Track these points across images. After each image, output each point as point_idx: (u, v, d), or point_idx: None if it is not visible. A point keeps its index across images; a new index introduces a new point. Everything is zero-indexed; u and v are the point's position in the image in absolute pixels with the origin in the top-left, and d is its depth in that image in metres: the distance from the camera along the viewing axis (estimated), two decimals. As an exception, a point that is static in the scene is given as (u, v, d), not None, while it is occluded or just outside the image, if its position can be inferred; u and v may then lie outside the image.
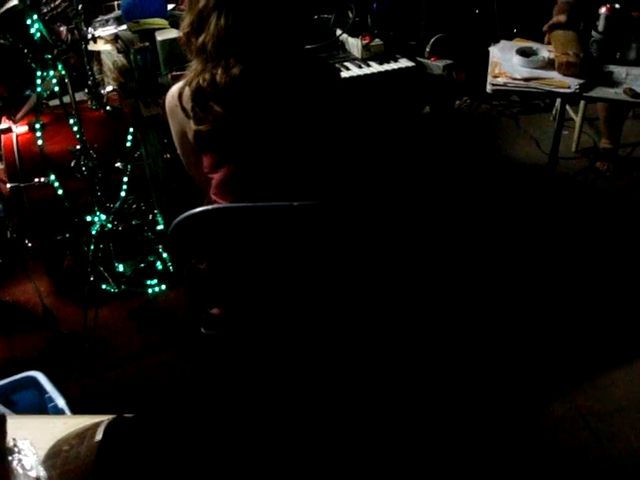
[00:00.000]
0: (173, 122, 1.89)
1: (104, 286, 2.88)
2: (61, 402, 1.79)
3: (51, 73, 2.57)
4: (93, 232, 2.78)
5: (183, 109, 1.79)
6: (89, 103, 3.09)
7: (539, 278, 2.96)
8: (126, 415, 1.46)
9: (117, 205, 2.82)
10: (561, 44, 2.66)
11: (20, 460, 1.33)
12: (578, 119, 3.90)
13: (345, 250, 1.91)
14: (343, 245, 1.89)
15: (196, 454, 2.20)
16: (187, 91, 1.78)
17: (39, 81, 2.55)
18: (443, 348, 2.62)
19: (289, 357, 2.26)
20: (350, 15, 2.82)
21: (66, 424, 1.46)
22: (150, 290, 2.95)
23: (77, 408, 2.38)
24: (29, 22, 2.44)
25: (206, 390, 2.44)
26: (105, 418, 1.42)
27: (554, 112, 4.20)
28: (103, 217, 2.77)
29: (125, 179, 2.83)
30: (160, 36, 2.70)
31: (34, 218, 2.91)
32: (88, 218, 2.75)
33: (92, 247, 2.79)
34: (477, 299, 2.86)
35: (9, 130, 2.91)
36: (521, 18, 4.26)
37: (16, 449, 1.34)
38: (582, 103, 3.79)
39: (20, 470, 1.27)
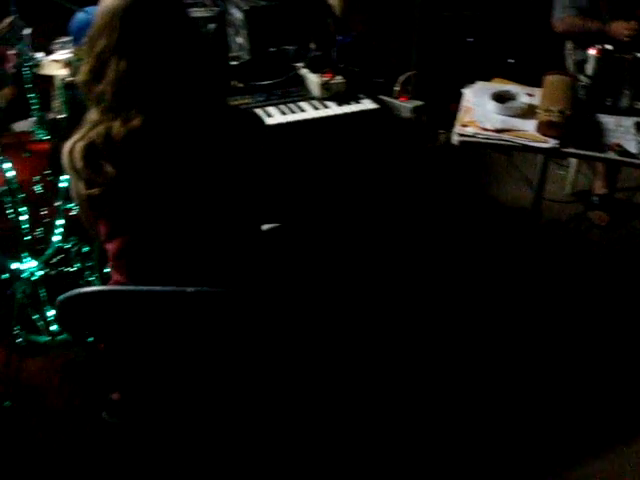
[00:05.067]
0: (70, 180, 1.62)
1: (38, 337, 2.62)
2: None
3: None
4: (24, 277, 2.53)
5: (73, 168, 1.53)
6: (34, 134, 2.86)
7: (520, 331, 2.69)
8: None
9: (49, 250, 2.57)
10: (548, 94, 2.34)
11: None
12: (574, 160, 3.60)
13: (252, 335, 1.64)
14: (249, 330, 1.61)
15: None
16: (78, 147, 1.51)
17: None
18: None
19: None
20: (312, 48, 2.55)
21: None
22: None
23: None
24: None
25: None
26: None
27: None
28: (34, 264, 2.51)
29: (61, 221, 2.59)
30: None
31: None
32: (15, 265, 2.50)
33: (19, 295, 2.53)
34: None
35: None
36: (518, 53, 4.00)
37: None
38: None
39: None
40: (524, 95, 2.42)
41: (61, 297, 1.49)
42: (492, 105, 2.34)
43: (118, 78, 1.48)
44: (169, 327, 1.56)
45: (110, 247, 1.58)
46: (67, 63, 2.86)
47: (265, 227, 2.00)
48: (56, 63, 2.94)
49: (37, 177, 2.67)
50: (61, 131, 2.27)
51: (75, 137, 1.54)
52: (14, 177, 2.43)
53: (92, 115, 1.54)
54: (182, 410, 1.74)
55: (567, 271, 3.10)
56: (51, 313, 2.59)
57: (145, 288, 1.47)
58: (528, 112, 2.32)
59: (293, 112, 2.41)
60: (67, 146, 1.54)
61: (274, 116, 2.38)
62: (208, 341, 1.59)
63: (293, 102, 2.47)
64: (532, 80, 2.60)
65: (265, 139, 1.72)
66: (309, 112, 2.41)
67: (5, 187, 2.41)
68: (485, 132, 2.22)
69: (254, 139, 1.65)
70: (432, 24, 3.53)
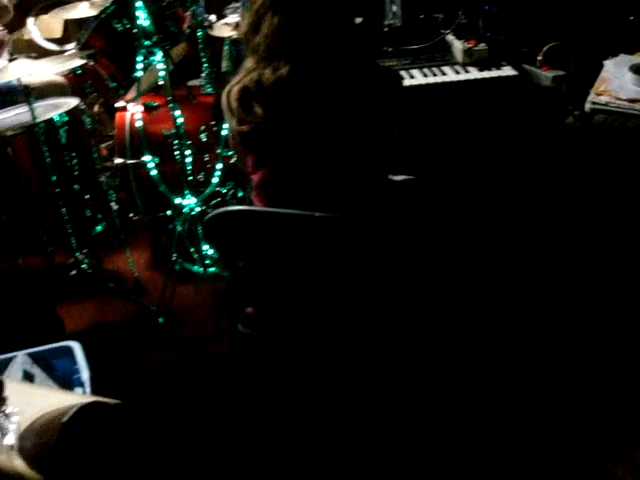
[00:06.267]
0: (226, 119, 1.90)
1: (192, 267, 2.97)
2: (85, 375, 1.86)
3: (156, 58, 2.67)
4: (184, 212, 2.87)
5: (229, 107, 1.79)
6: (204, 88, 3.20)
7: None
8: (109, 401, 1.49)
9: (208, 190, 2.89)
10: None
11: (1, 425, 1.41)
12: None
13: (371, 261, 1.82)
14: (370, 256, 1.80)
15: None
16: (235, 90, 1.78)
17: (140, 65, 2.67)
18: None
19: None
20: (460, 16, 2.67)
21: (58, 400, 1.51)
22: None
23: (130, 380, 2.53)
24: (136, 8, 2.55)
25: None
26: (88, 400, 1.46)
27: None
28: (194, 201, 2.84)
29: (219, 166, 2.90)
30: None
31: (139, 194, 3.03)
32: (178, 201, 2.84)
33: (179, 228, 2.88)
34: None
35: (124, 109, 3.05)
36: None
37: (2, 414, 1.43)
38: None
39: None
40: (666, 68, 2.42)
41: (210, 214, 1.77)
42: (630, 76, 2.36)
43: (271, 32, 1.71)
44: (298, 248, 1.79)
45: (254, 177, 1.84)
46: (236, 26, 3.17)
47: (399, 177, 2.18)
48: (227, 26, 3.27)
49: (203, 127, 3.00)
50: (225, 84, 2.55)
51: (233, 82, 1.81)
52: (182, 124, 2.75)
53: (248, 64, 1.80)
54: (308, 323, 1.97)
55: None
56: (205, 247, 2.92)
57: (278, 210, 1.71)
58: (668, 85, 2.33)
59: (435, 75, 2.56)
60: (226, 89, 1.83)
61: (416, 78, 2.55)
62: (329, 263, 1.81)
63: (436, 66, 2.61)
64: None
65: (401, 95, 1.90)
66: (449, 75, 2.55)
67: (174, 131, 2.74)
68: (618, 101, 2.26)
69: (389, 93, 1.83)
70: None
